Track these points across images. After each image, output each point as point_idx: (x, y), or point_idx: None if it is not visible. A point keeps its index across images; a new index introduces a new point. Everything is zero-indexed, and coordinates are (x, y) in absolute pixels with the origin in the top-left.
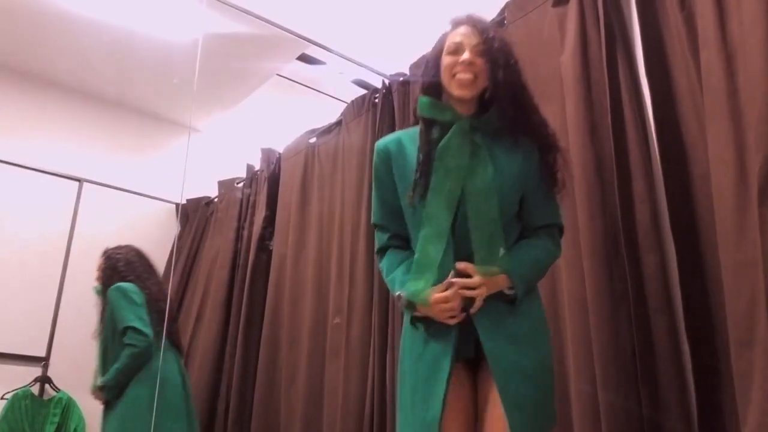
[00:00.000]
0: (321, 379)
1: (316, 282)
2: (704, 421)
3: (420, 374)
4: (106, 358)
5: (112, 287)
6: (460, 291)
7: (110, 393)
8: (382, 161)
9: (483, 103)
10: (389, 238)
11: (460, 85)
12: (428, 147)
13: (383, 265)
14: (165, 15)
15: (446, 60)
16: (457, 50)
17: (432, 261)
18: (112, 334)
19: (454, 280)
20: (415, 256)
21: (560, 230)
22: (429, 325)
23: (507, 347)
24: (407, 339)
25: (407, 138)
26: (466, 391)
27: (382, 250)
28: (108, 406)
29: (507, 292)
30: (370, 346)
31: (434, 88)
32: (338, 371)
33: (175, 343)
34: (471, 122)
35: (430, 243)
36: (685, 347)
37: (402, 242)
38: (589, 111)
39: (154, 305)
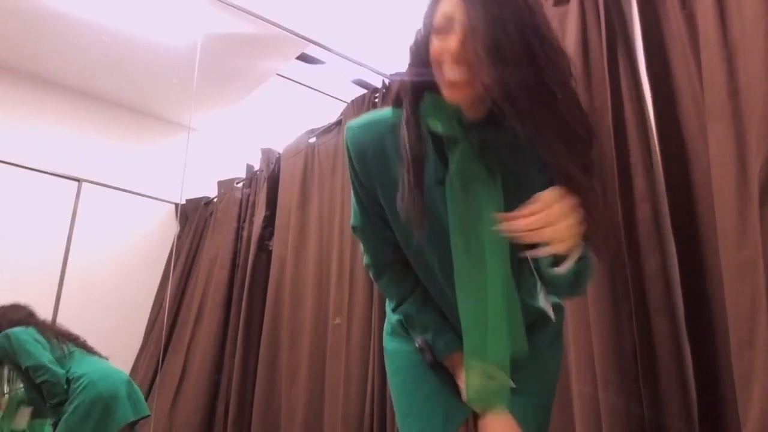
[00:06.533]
0: (322, 379)
1: (316, 282)
2: (705, 421)
3: (422, 389)
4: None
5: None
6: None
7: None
8: (359, 162)
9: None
10: (392, 251)
11: (448, 85)
12: (420, 181)
13: (386, 287)
14: (164, 15)
15: (434, 44)
16: (445, 29)
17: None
18: (25, 382)
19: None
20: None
21: None
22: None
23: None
24: (399, 338)
25: (390, 137)
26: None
27: (384, 266)
28: None
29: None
30: (371, 347)
31: (426, 81)
32: (339, 372)
33: (90, 349)
34: (480, 136)
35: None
36: (686, 347)
37: (401, 254)
38: (590, 111)
39: (50, 329)
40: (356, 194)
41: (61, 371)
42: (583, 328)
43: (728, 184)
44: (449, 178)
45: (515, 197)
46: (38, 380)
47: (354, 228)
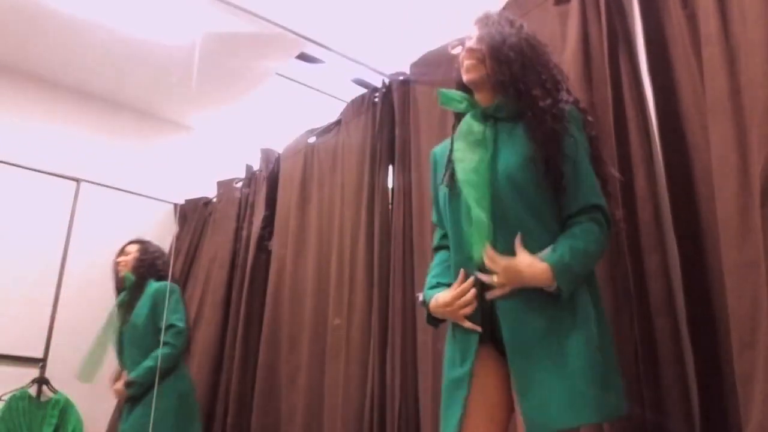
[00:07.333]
0: (321, 380)
1: (315, 282)
2: (706, 422)
3: (447, 377)
4: (132, 350)
5: (164, 284)
6: (479, 276)
7: (137, 390)
8: (432, 164)
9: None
10: (441, 238)
11: (464, 70)
12: (451, 140)
13: (430, 265)
14: (163, 14)
15: (460, 55)
16: (467, 40)
17: (455, 261)
18: (146, 328)
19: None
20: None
21: (603, 213)
22: (454, 327)
23: (529, 339)
24: (447, 340)
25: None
26: (495, 383)
27: (434, 250)
28: (125, 403)
29: (548, 289)
30: (370, 347)
31: (461, 84)
32: (338, 372)
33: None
34: (483, 110)
35: (452, 246)
36: (687, 348)
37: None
38: (591, 109)
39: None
40: (434, 194)
41: None
42: None
43: (730, 183)
44: (458, 132)
45: (508, 145)
46: (170, 339)
47: (433, 222)
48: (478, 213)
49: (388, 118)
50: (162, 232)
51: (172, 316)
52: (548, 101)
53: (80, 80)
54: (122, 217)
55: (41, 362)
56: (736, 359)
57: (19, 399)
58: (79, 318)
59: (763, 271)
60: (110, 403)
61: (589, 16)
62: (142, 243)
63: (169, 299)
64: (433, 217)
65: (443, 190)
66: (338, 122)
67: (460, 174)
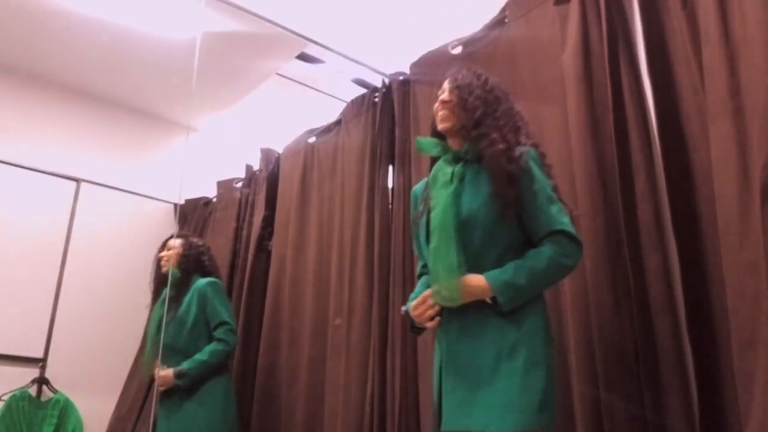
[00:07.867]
0: (321, 380)
1: (316, 282)
2: (706, 422)
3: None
4: (178, 345)
5: (211, 281)
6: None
7: (187, 382)
8: (412, 201)
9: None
10: (422, 267)
11: (438, 120)
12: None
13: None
14: (163, 13)
15: (435, 107)
16: (440, 94)
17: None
18: (196, 323)
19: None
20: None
21: (567, 235)
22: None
23: (465, 350)
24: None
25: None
26: None
27: (418, 277)
28: (170, 397)
29: (488, 300)
30: (371, 347)
31: (436, 132)
32: (339, 372)
33: None
34: (454, 154)
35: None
36: (688, 348)
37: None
38: (591, 110)
39: None
40: (414, 228)
41: None
42: (584, 328)
43: (730, 183)
44: (431, 174)
45: (473, 185)
46: (222, 336)
47: (415, 253)
48: (437, 258)
49: (388, 118)
50: (162, 232)
51: (223, 312)
52: (503, 145)
53: (81, 80)
54: (122, 217)
55: (41, 362)
56: (736, 359)
57: (19, 399)
58: (79, 318)
59: (764, 270)
60: (110, 403)
61: (589, 16)
62: (185, 237)
63: (217, 295)
64: (415, 249)
65: (421, 225)
66: (338, 122)
67: (432, 212)
